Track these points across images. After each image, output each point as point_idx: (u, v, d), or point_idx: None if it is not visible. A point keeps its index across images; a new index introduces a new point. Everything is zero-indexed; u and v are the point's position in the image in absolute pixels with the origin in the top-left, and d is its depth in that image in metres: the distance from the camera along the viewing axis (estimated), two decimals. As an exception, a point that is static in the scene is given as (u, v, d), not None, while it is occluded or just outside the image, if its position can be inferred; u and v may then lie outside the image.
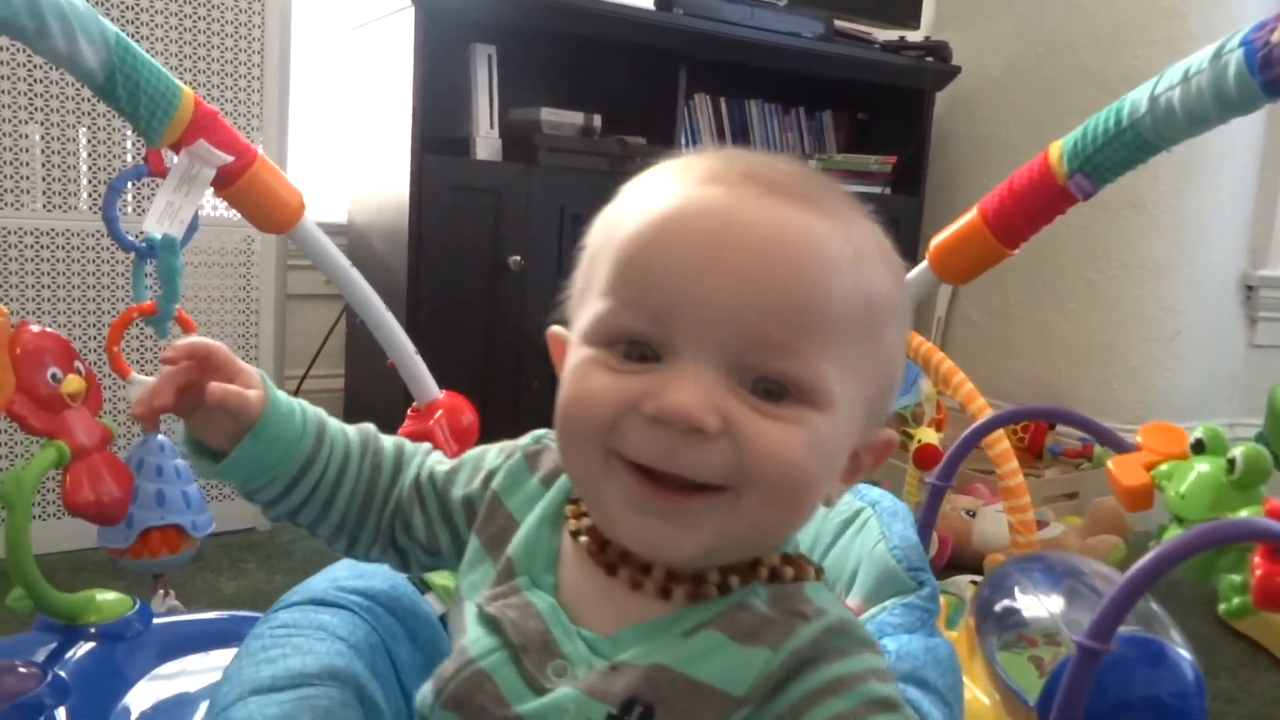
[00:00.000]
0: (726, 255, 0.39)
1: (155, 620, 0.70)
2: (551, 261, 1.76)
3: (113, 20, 1.43)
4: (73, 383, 0.62)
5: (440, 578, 0.63)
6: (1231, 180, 2.04)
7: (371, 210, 1.82)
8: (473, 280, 1.70)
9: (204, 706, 0.61)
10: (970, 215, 0.77)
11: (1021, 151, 2.16)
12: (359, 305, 0.86)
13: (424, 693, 0.45)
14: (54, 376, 0.62)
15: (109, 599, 0.68)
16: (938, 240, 0.79)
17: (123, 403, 1.43)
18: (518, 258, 1.71)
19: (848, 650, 0.41)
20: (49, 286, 1.50)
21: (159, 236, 0.70)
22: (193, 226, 0.72)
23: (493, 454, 0.52)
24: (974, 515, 1.68)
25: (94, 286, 1.52)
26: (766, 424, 0.39)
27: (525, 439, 0.52)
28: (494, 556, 0.47)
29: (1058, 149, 0.71)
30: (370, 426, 0.55)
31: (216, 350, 0.48)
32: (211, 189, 0.73)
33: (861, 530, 0.64)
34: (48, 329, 0.62)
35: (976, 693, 0.75)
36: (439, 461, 0.54)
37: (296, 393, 1.94)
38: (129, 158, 1.52)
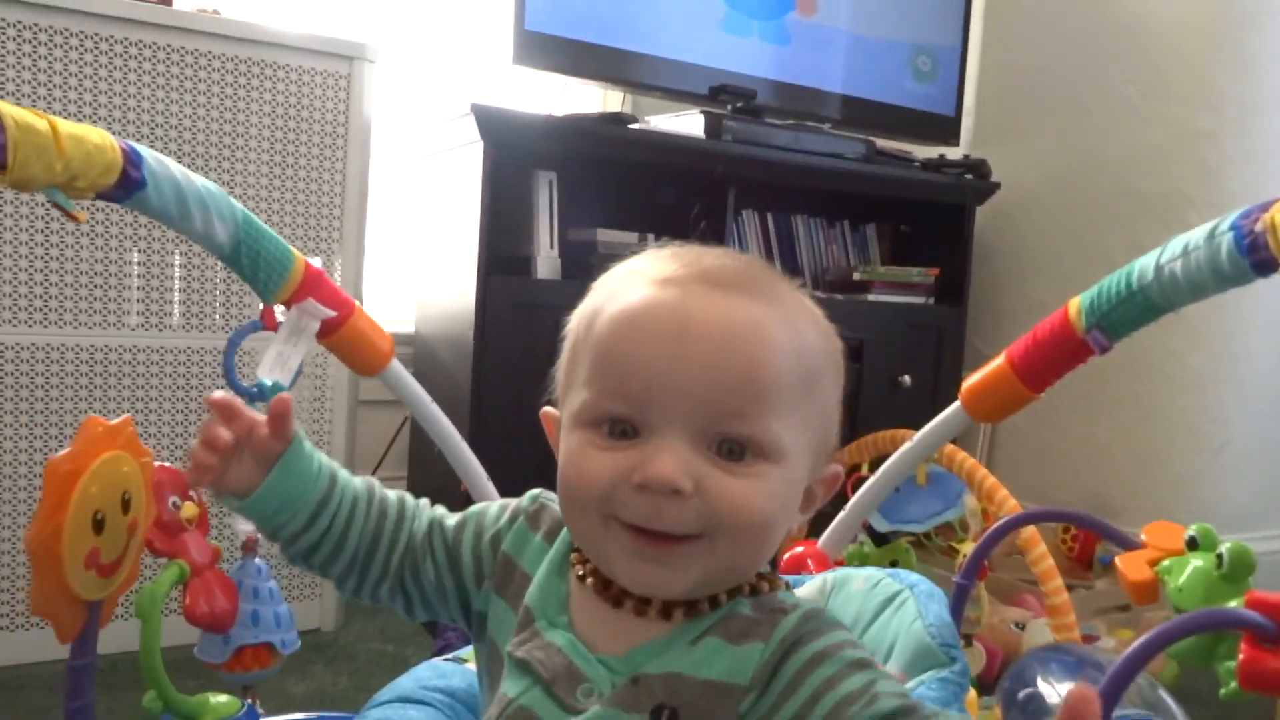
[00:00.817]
0: (688, 347, 0.49)
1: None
2: (606, 373, 1.84)
3: (210, 155, 1.60)
4: (189, 509, 0.72)
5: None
6: (1272, 291, 2.07)
7: (437, 322, 1.93)
8: (532, 393, 1.77)
9: None
10: (998, 361, 0.83)
11: (1061, 262, 2.25)
12: (437, 436, 0.94)
13: None
14: (174, 504, 0.71)
15: (221, 700, 0.76)
16: (969, 383, 0.86)
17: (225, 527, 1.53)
18: (575, 370, 1.80)
19: (823, 630, 0.50)
20: (143, 399, 1.62)
21: (269, 383, 0.79)
22: (297, 373, 0.81)
23: (493, 513, 0.60)
24: (1023, 628, 1.69)
25: (183, 400, 1.64)
26: (729, 480, 0.48)
27: (524, 500, 0.60)
28: (515, 609, 0.55)
29: (1077, 305, 0.77)
30: (373, 479, 0.62)
31: (230, 402, 0.54)
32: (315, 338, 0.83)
33: (900, 609, 0.71)
34: (166, 464, 0.72)
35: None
36: (446, 516, 0.61)
37: (362, 495, 2.02)
38: (218, 279, 1.65)
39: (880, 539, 1.78)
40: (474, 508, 0.62)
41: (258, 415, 0.55)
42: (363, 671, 1.62)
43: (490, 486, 0.96)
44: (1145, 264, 0.72)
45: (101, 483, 0.60)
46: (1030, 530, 1.38)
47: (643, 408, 0.49)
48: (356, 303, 0.86)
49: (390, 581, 0.59)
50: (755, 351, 0.49)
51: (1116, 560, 0.74)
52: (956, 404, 0.87)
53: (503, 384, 1.76)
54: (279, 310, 0.82)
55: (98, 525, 0.60)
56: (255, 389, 0.79)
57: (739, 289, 0.50)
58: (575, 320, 0.55)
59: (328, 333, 0.83)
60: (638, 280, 0.52)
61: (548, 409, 0.57)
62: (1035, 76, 2.35)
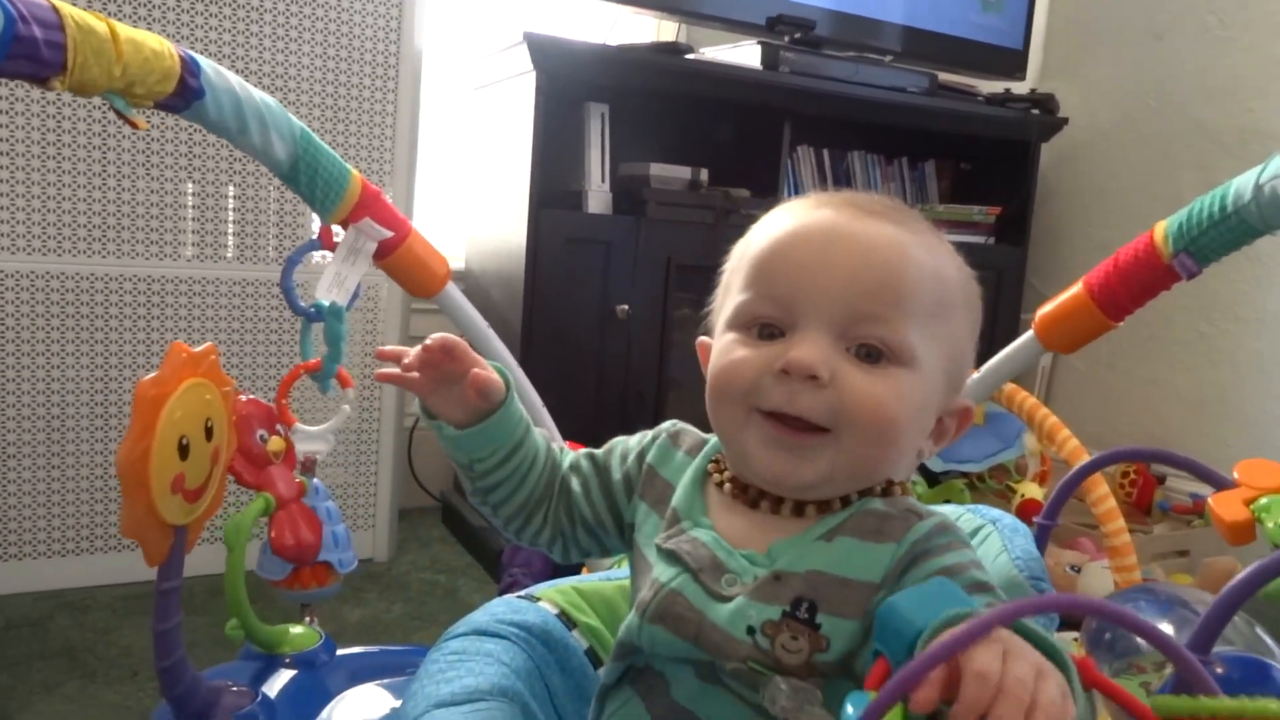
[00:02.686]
0: (833, 255, 0.53)
1: (339, 652, 0.79)
2: (657, 311, 1.83)
3: (263, 85, 1.59)
4: (276, 443, 0.72)
5: (553, 592, 0.69)
6: (1355, 233, 1.98)
7: (488, 257, 1.92)
8: (583, 328, 1.77)
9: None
10: (1076, 288, 0.80)
11: (1129, 203, 2.17)
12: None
13: (628, 621, 0.56)
14: (261, 437, 0.72)
15: (299, 632, 0.77)
16: (1043, 311, 0.82)
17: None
18: (625, 306, 1.78)
19: (954, 546, 0.52)
20: (198, 330, 1.64)
21: (327, 303, 0.78)
22: (355, 294, 0.80)
23: (636, 439, 0.64)
24: (1079, 570, 1.66)
25: (238, 330, 1.66)
26: (863, 376, 0.51)
27: (665, 425, 0.64)
28: (659, 513, 0.59)
29: (1162, 229, 0.74)
30: (548, 433, 0.68)
31: (459, 343, 0.58)
32: (372, 259, 0.82)
33: (984, 544, 0.72)
34: (255, 397, 0.72)
35: None
36: (590, 451, 0.66)
37: (413, 428, 2.04)
38: (271, 212, 1.66)
39: (933, 479, 1.75)
40: (614, 440, 0.66)
41: (478, 362, 0.59)
42: (415, 600, 1.65)
43: (545, 413, 0.95)
44: (1243, 183, 0.67)
45: (186, 408, 0.60)
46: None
47: (789, 309, 0.53)
48: (412, 224, 0.84)
49: (551, 527, 0.64)
50: (893, 262, 0.53)
51: (1210, 500, 0.71)
52: (1029, 334, 0.83)
53: (554, 319, 1.75)
54: (336, 230, 0.80)
55: (183, 450, 0.60)
56: (313, 309, 0.78)
57: (884, 216, 0.55)
58: (731, 255, 0.59)
59: (384, 254, 0.82)
60: (792, 208, 0.57)
61: (702, 338, 0.60)
62: (1108, 6, 2.25)
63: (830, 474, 0.52)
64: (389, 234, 0.81)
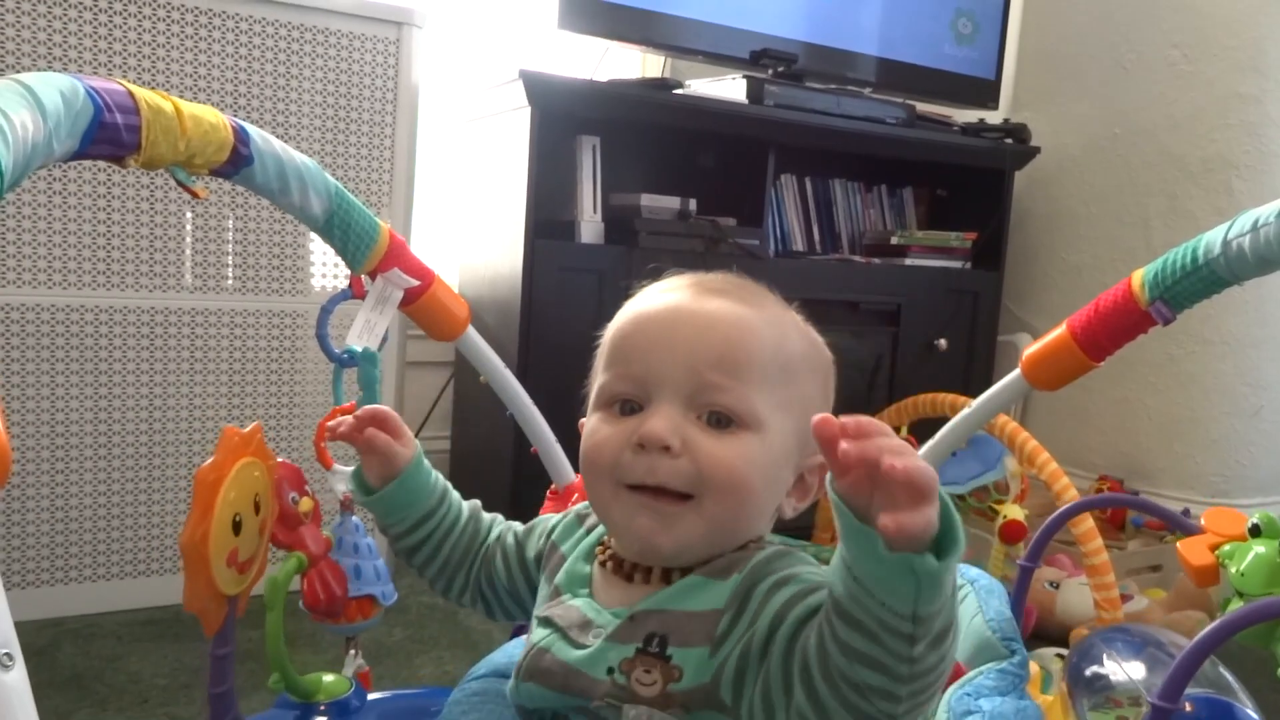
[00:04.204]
0: (677, 331, 0.58)
1: (369, 697, 0.84)
2: (649, 336, 1.87)
3: (264, 119, 1.63)
4: (305, 503, 0.76)
5: None
6: (1313, 258, 2.07)
7: (484, 285, 1.96)
8: (577, 356, 1.81)
9: None
10: (1059, 331, 0.85)
11: (1100, 228, 2.25)
12: (508, 399, 0.98)
13: (510, 684, 0.60)
14: (293, 499, 0.76)
15: (330, 680, 0.81)
16: (1029, 351, 0.88)
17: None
18: (618, 333, 1.83)
19: (792, 562, 0.56)
20: (200, 360, 1.67)
21: (359, 349, 0.82)
22: (385, 338, 0.84)
23: (555, 518, 0.70)
24: (1057, 587, 1.73)
25: (238, 361, 1.69)
26: (713, 442, 0.56)
27: (580, 505, 0.69)
28: (547, 587, 0.64)
29: (1140, 277, 0.79)
30: (477, 503, 0.74)
31: (388, 415, 0.69)
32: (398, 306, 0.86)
33: (961, 604, 0.75)
34: (285, 460, 0.76)
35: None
36: (517, 527, 0.73)
37: (408, 454, 2.08)
38: (268, 244, 1.69)
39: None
40: (541, 516, 0.72)
41: (398, 434, 0.68)
42: (415, 624, 1.68)
43: (559, 449, 1.00)
44: (1212, 239, 0.73)
45: (239, 488, 0.64)
46: (1071, 492, 1.41)
47: (643, 385, 0.58)
48: (436, 273, 0.89)
49: (471, 590, 0.71)
50: (732, 334, 0.57)
51: (1178, 545, 0.78)
52: (1016, 372, 0.89)
53: (549, 347, 1.80)
54: (365, 280, 0.85)
55: (236, 527, 0.64)
56: (345, 354, 0.83)
57: (727, 294, 0.60)
58: (603, 335, 0.64)
59: (409, 301, 0.87)
60: (645, 293, 0.63)
61: (582, 420, 0.64)
62: (1076, 39, 2.34)
63: (691, 538, 0.56)
64: (415, 283, 0.85)
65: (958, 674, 0.67)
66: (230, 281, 1.68)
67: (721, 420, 0.56)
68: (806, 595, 0.52)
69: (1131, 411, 2.19)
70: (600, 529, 0.65)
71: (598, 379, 0.62)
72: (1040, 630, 1.67)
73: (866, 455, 0.41)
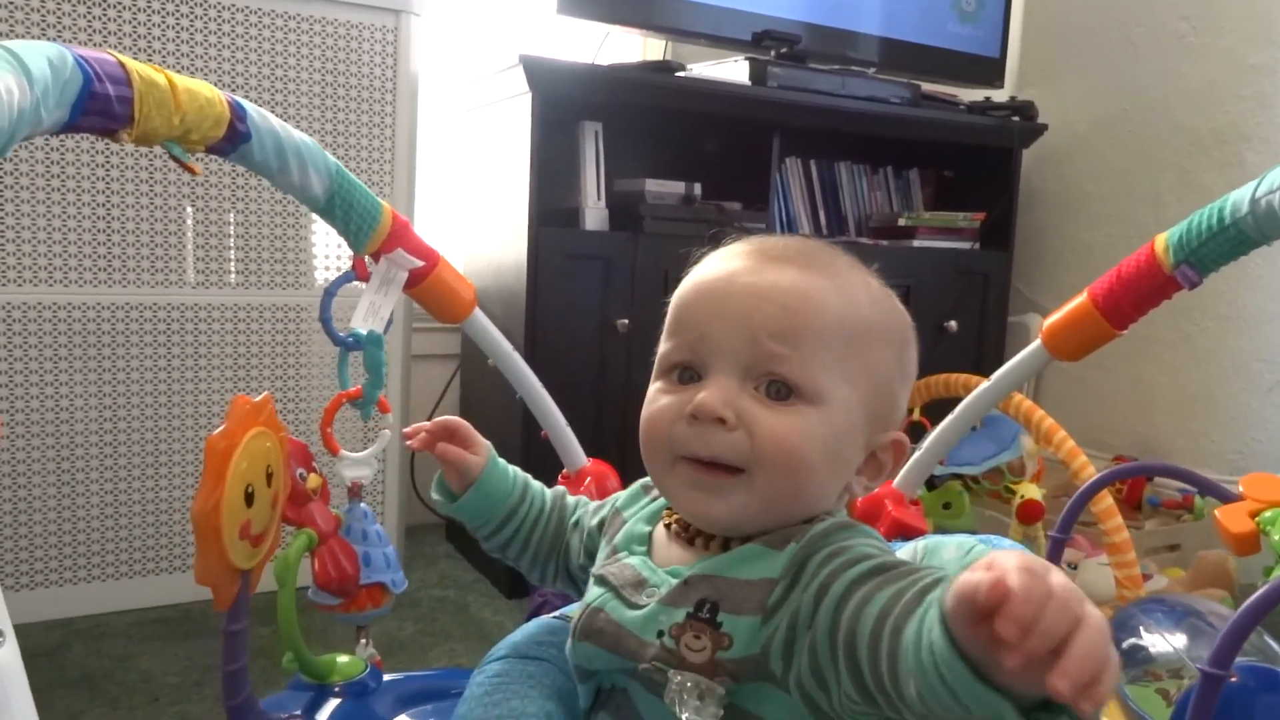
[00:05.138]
0: (731, 301, 0.56)
1: (384, 678, 0.82)
2: (655, 324, 1.84)
3: (261, 103, 1.61)
4: (314, 480, 0.74)
5: None
6: (1328, 230, 2.04)
7: (488, 275, 1.94)
8: (583, 343, 1.80)
9: None
10: (1080, 299, 0.83)
11: (1111, 205, 2.22)
12: (517, 382, 0.96)
13: (567, 644, 0.60)
14: (301, 475, 0.74)
15: (345, 661, 0.80)
16: (1050, 321, 0.86)
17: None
18: (625, 320, 1.81)
19: (851, 535, 0.53)
20: (204, 356, 1.65)
21: (364, 332, 0.81)
22: (389, 321, 0.82)
23: (624, 492, 0.69)
24: (1075, 568, 1.71)
25: (242, 355, 1.67)
26: (770, 415, 0.54)
27: (640, 482, 0.68)
28: (605, 548, 0.63)
29: (1163, 241, 0.77)
30: (561, 489, 0.74)
31: (459, 425, 0.70)
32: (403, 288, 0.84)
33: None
34: (293, 436, 0.74)
35: (1109, 722, 0.81)
36: (592, 505, 0.72)
37: (415, 448, 2.06)
38: (270, 238, 1.67)
39: (931, 483, 1.79)
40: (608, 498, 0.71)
41: (471, 442, 0.69)
42: (426, 617, 1.67)
43: (569, 433, 0.98)
44: (1239, 197, 0.71)
45: (250, 458, 0.62)
46: (1089, 470, 1.39)
47: (698, 353, 0.56)
48: (440, 254, 0.87)
49: (563, 575, 0.71)
50: (791, 302, 0.55)
51: (1216, 513, 0.75)
52: (1036, 343, 0.87)
53: (555, 335, 1.78)
54: (369, 261, 0.83)
55: (248, 498, 0.62)
56: (350, 338, 0.81)
57: (790, 260, 0.57)
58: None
59: (414, 283, 0.85)
60: (709, 259, 0.60)
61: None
62: (1082, 14, 2.31)
63: (743, 512, 0.54)
64: (420, 263, 0.83)
65: None
66: (233, 277, 1.66)
67: (781, 391, 0.54)
68: (853, 565, 0.49)
69: (1146, 390, 2.17)
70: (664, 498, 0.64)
71: (660, 347, 0.60)
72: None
73: (1034, 656, 0.34)
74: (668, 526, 0.60)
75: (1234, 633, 0.59)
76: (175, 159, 0.61)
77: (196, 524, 0.59)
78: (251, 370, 1.68)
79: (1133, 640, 0.80)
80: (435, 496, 0.71)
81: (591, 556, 0.67)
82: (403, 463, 1.85)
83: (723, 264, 0.58)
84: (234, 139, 0.67)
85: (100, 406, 1.58)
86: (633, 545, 0.61)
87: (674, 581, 0.55)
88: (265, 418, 0.64)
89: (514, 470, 0.71)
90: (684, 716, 0.51)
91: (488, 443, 0.70)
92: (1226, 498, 0.77)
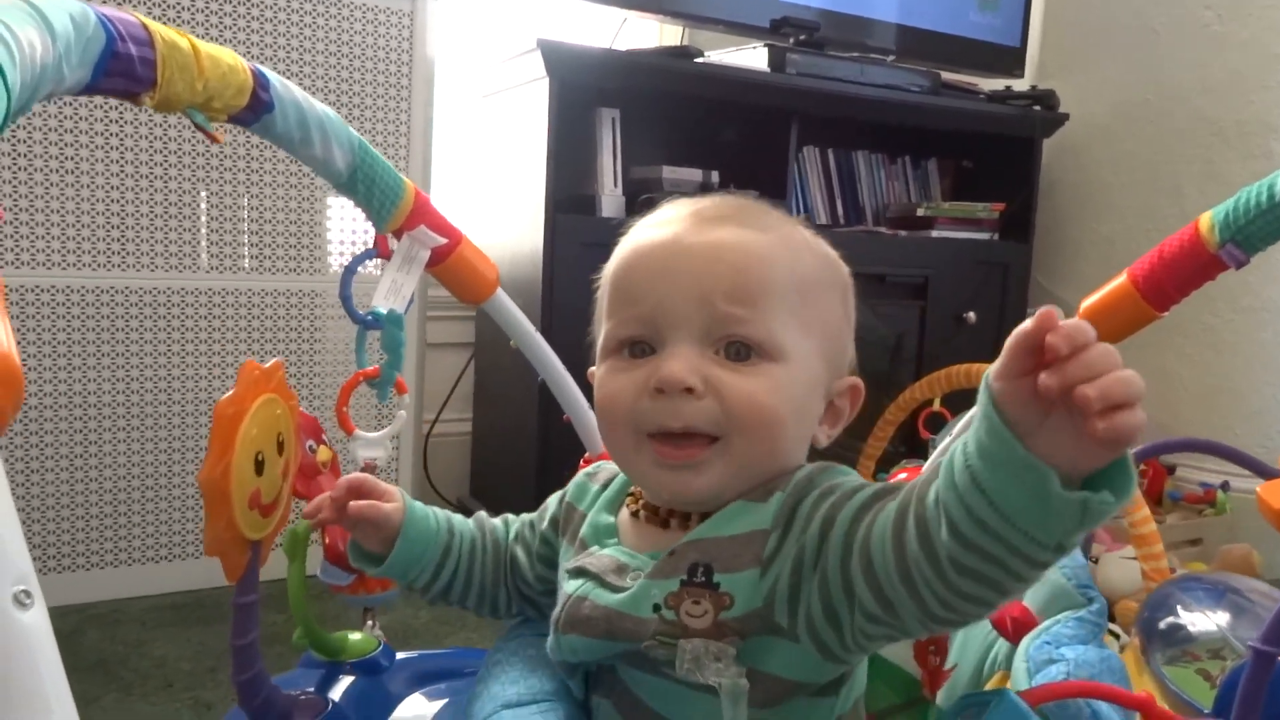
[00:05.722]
0: (681, 264, 0.54)
1: (397, 657, 0.80)
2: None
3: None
4: (324, 453, 0.73)
5: None
6: (1354, 222, 2.01)
7: (504, 263, 1.91)
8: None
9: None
10: (1120, 280, 0.81)
11: (1133, 196, 2.19)
12: (540, 365, 0.94)
13: (548, 642, 0.57)
14: (311, 448, 0.72)
15: (357, 639, 0.78)
16: (1087, 303, 0.83)
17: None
18: (641, 309, 1.79)
19: (834, 474, 0.53)
20: (219, 341, 1.64)
21: (385, 311, 0.79)
22: (410, 301, 0.81)
23: (562, 491, 0.66)
24: (1096, 561, 1.68)
25: (256, 340, 1.66)
26: (737, 378, 0.52)
27: (589, 467, 0.66)
28: (572, 544, 0.60)
29: (1208, 219, 0.75)
30: (481, 514, 0.70)
31: (363, 480, 0.64)
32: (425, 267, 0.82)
33: None
34: (302, 410, 0.73)
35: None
36: (526, 515, 0.69)
37: (429, 434, 2.05)
38: (285, 222, 1.66)
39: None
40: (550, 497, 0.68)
41: (379, 494, 0.63)
42: (440, 608, 1.65)
43: (592, 415, 0.96)
44: (1289, 174, 0.69)
45: (260, 425, 0.60)
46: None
47: (651, 325, 0.54)
48: (463, 232, 0.85)
49: (516, 600, 0.67)
50: (741, 260, 0.53)
51: (1259, 490, 0.73)
52: (1072, 327, 0.85)
53: (572, 323, 1.75)
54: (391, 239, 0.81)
55: (258, 466, 0.61)
56: (370, 316, 0.79)
57: (730, 219, 0.56)
58: (602, 275, 0.61)
59: (437, 261, 0.83)
60: (639, 227, 0.58)
61: (591, 369, 0.61)
62: (1104, 2, 2.28)
63: (723, 481, 0.53)
64: (443, 241, 0.82)
65: (1031, 623, 0.63)
66: (246, 262, 1.65)
67: (741, 352, 0.53)
68: (854, 494, 0.49)
69: (1169, 383, 2.14)
70: (618, 480, 0.62)
71: (602, 326, 0.58)
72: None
73: (1071, 380, 0.36)
74: (634, 513, 0.58)
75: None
76: (198, 127, 0.60)
77: (204, 491, 0.57)
78: (265, 355, 1.66)
79: (1170, 619, 0.78)
80: (356, 565, 0.65)
81: (547, 562, 0.65)
82: (416, 451, 1.84)
83: (660, 230, 0.56)
84: (257, 109, 0.65)
85: (114, 391, 1.57)
86: (602, 539, 0.58)
87: (657, 559, 0.53)
88: (275, 384, 0.63)
89: (431, 509, 0.66)
90: (711, 680, 0.49)
91: (397, 488, 0.65)
92: (1269, 474, 0.75)
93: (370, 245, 0.80)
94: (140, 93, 0.54)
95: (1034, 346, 0.37)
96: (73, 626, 1.49)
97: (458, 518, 0.67)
